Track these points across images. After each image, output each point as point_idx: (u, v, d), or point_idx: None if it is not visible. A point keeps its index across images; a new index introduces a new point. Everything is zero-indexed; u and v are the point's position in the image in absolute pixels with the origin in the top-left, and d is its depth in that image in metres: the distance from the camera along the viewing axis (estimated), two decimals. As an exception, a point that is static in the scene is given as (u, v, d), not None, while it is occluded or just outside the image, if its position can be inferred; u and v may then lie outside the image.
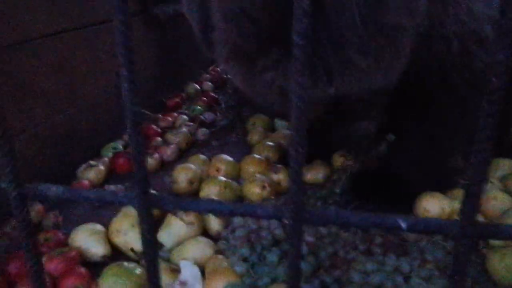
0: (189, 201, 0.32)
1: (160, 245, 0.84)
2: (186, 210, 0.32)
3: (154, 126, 1.36)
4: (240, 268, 0.72)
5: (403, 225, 0.34)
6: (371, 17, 0.61)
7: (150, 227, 0.32)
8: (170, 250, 0.83)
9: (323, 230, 0.87)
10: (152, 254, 0.32)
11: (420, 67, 0.76)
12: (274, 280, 0.73)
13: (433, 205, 0.88)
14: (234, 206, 0.31)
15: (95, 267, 0.79)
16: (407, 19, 0.66)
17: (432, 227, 0.34)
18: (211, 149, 1.29)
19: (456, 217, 0.86)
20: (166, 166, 1.19)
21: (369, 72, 0.67)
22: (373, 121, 1.05)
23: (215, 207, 0.31)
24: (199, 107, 1.50)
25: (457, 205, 0.88)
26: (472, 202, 0.28)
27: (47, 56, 1.07)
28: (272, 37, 0.62)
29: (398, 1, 0.62)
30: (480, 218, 0.84)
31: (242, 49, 0.65)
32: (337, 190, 1.00)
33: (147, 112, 1.41)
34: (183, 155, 1.25)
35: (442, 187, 0.94)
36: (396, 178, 0.96)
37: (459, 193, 0.92)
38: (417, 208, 0.90)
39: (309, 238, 0.81)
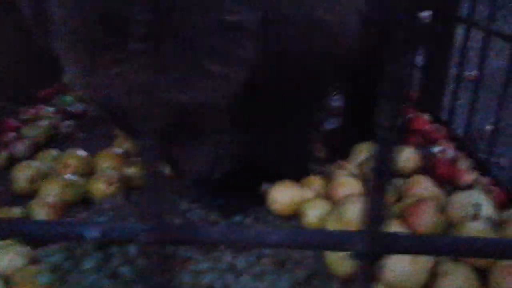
0: None
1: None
2: None
3: (13, 120, 1.22)
4: (44, 278, 0.64)
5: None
6: (212, 17, 0.60)
7: None
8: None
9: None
10: None
11: (262, 62, 0.71)
12: (88, 289, 0.65)
13: (283, 195, 0.84)
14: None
15: None
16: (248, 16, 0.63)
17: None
18: (76, 142, 1.17)
19: (307, 204, 0.82)
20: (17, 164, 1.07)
21: (221, 78, 0.65)
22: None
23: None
24: (69, 98, 1.37)
25: (309, 193, 0.85)
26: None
27: None
28: (118, 32, 0.57)
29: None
30: (327, 204, 0.81)
31: (87, 40, 0.60)
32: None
33: (5, 104, 1.26)
34: (42, 150, 1.13)
35: (300, 176, 0.90)
36: (256, 171, 0.91)
37: (313, 180, 0.89)
38: (269, 198, 0.85)
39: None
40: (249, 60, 0.69)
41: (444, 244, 0.26)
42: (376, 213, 0.24)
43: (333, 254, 0.72)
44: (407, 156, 0.99)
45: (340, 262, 0.69)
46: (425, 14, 1.22)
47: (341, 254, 0.71)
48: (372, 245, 0.25)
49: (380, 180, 0.24)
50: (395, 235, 0.26)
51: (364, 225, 0.25)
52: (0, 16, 1.33)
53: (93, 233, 0.28)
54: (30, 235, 0.28)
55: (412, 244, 0.26)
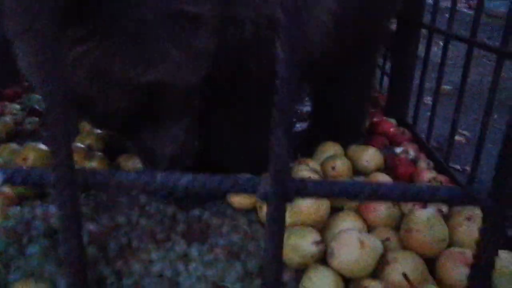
0: None
1: None
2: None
3: (-25, 116, 1.20)
4: (-15, 262, 0.62)
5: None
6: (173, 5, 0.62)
7: None
8: None
9: (120, 218, 0.79)
10: None
11: (218, 55, 0.71)
12: (32, 275, 0.63)
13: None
14: None
15: None
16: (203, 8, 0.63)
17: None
18: (39, 138, 1.15)
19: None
20: (-23, 159, 1.04)
21: (182, 64, 0.65)
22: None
23: None
24: (37, 96, 1.36)
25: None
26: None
27: None
28: (79, 11, 0.57)
29: None
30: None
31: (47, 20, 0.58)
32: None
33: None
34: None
35: (259, 169, 0.90)
36: (216, 167, 0.90)
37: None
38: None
39: (92, 227, 0.72)
40: (208, 51, 0.69)
41: (346, 188, 0.26)
42: (282, 159, 0.25)
43: (286, 246, 0.71)
44: (370, 156, 1.00)
45: (293, 253, 0.69)
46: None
47: (293, 244, 0.70)
48: (279, 187, 0.25)
49: (283, 127, 0.24)
50: (301, 180, 0.26)
51: (272, 170, 0.25)
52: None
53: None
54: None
55: (318, 188, 0.27)
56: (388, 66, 1.41)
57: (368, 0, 0.95)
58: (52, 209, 0.73)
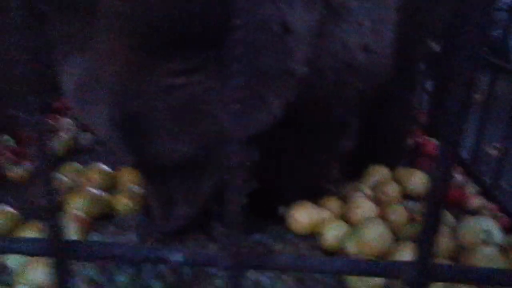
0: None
1: (2, 267, 0.76)
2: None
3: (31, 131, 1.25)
4: (82, 292, 0.67)
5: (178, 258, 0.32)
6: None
7: None
8: (15, 274, 0.75)
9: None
10: None
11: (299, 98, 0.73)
12: (122, 303, 0.68)
13: (302, 214, 0.88)
14: None
15: None
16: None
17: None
18: (95, 156, 1.20)
19: (325, 225, 0.86)
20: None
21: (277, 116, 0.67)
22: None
23: None
24: (87, 110, 1.40)
25: (326, 214, 0.89)
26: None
27: None
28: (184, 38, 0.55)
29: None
30: (344, 225, 0.85)
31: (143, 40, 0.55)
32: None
33: (21, 114, 1.29)
34: (60, 163, 1.16)
35: (316, 197, 0.94)
36: (274, 193, 0.92)
37: (329, 201, 0.93)
38: (288, 218, 0.89)
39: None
40: (289, 101, 0.70)
41: (479, 275, 0.30)
42: (427, 245, 0.29)
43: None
44: (419, 180, 1.03)
45: (359, 279, 0.73)
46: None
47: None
48: (421, 274, 0.29)
49: (434, 213, 0.28)
50: (441, 265, 0.30)
51: (416, 255, 0.29)
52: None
53: (177, 257, 0.31)
54: (121, 257, 0.32)
55: (454, 274, 0.31)
56: (428, 83, 1.43)
57: (413, 23, 0.97)
58: (133, 237, 0.78)
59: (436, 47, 1.27)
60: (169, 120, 0.64)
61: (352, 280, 0.75)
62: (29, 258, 0.77)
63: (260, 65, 0.61)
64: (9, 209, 0.87)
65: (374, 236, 0.78)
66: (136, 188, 0.96)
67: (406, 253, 0.79)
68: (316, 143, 0.88)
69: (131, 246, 0.32)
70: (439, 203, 0.28)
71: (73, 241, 0.31)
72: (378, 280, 0.72)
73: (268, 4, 0.59)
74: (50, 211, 0.29)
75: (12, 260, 0.77)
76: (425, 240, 0.28)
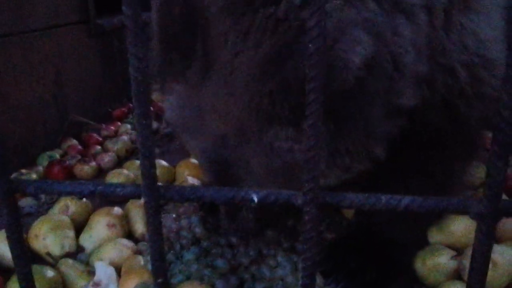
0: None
1: (81, 248, 0.83)
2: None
3: (96, 135, 1.35)
4: (154, 266, 0.71)
5: (255, 197, 0.35)
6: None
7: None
8: (90, 253, 0.81)
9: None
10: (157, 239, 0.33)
11: (423, 104, 0.66)
12: (188, 278, 0.72)
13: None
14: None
15: (9, 273, 0.77)
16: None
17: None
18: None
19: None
20: (104, 174, 1.18)
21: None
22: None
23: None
24: (143, 116, 1.49)
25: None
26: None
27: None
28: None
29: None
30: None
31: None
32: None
33: (89, 121, 1.40)
34: (122, 162, 1.24)
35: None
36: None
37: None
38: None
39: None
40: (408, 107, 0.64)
41: None
42: (498, 184, 0.30)
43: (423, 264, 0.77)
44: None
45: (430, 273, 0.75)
46: None
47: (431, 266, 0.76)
48: (493, 208, 0.31)
49: (502, 152, 0.30)
50: (508, 201, 0.32)
51: (488, 193, 0.31)
52: (83, 42, 1.49)
53: (254, 197, 0.34)
54: (205, 198, 0.35)
55: None
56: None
57: None
58: (195, 220, 0.82)
59: None
60: (263, 176, 0.64)
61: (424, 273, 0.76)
62: (102, 238, 0.83)
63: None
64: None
65: (462, 228, 0.80)
66: (192, 180, 1.01)
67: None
68: (447, 162, 0.77)
69: (217, 188, 0.35)
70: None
71: (166, 185, 0.34)
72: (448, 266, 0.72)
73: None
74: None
75: (85, 241, 0.84)
76: (493, 177, 0.30)
